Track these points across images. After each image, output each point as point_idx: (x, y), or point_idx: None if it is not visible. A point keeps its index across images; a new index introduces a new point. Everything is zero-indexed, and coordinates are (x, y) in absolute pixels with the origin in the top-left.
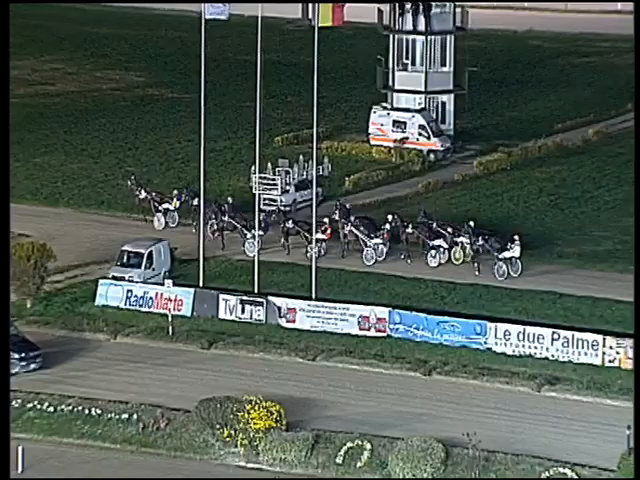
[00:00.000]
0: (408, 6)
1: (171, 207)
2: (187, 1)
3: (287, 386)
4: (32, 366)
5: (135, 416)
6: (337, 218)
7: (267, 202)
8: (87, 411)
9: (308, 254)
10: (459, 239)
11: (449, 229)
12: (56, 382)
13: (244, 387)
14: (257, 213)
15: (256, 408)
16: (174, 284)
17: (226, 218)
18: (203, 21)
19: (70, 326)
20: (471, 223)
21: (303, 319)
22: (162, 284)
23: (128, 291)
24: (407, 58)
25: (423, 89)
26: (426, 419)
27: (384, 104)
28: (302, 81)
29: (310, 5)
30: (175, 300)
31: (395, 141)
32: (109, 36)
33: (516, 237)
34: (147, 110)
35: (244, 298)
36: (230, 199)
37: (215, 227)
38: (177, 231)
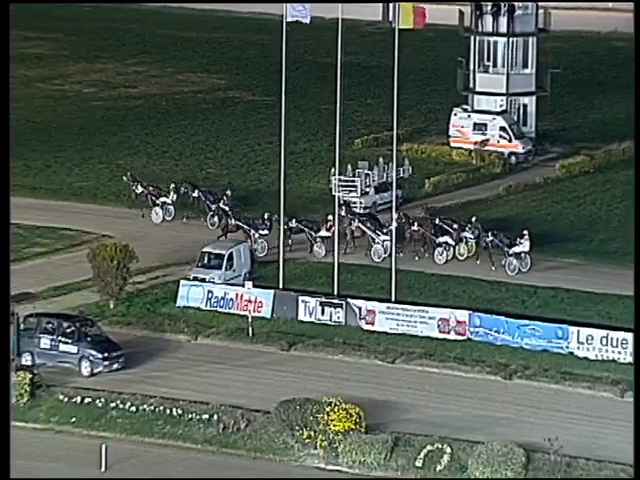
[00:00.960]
0: (489, 8)
1: (168, 200)
2: (269, 1)
3: (366, 388)
4: (115, 366)
5: (215, 417)
6: (343, 215)
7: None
8: (168, 411)
9: (313, 251)
10: (462, 234)
11: (455, 225)
12: (138, 382)
13: (323, 389)
14: (336, 215)
15: (335, 410)
16: (254, 286)
17: (233, 221)
18: (284, 24)
19: (152, 327)
20: (473, 219)
21: (382, 321)
22: (242, 285)
23: (209, 292)
24: (488, 60)
25: (504, 91)
26: (506, 423)
27: (465, 106)
28: (382, 83)
29: (391, 7)
30: (255, 302)
31: (476, 143)
32: (191, 39)
33: (525, 232)
34: (228, 113)
35: (323, 300)
36: (229, 192)
37: (220, 226)
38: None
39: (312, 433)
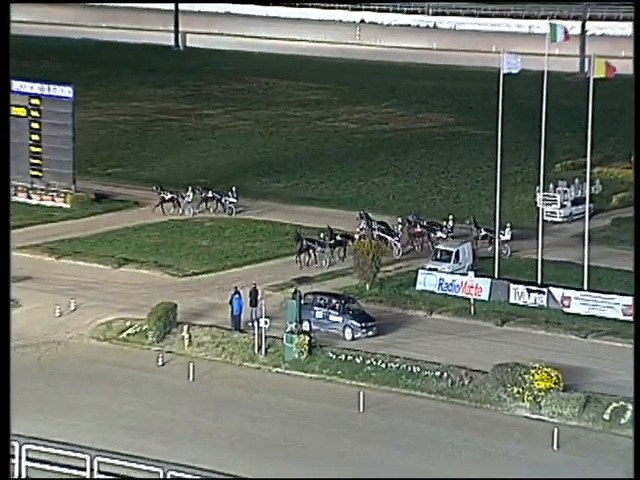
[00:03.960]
0: None
1: (189, 200)
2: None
3: (564, 357)
4: (369, 333)
5: (445, 374)
6: (363, 226)
7: (548, 214)
8: (409, 368)
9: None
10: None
11: (450, 223)
12: (387, 346)
13: (529, 356)
14: (541, 225)
15: (539, 372)
16: (475, 275)
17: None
18: (501, 74)
19: (397, 304)
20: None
21: (577, 305)
22: (466, 275)
23: (440, 279)
24: None
25: None
26: None
27: None
28: (578, 121)
29: (586, 61)
30: (476, 287)
31: None
32: (428, 87)
33: (508, 224)
34: (456, 143)
35: (530, 287)
36: (234, 188)
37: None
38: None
39: (520, 389)
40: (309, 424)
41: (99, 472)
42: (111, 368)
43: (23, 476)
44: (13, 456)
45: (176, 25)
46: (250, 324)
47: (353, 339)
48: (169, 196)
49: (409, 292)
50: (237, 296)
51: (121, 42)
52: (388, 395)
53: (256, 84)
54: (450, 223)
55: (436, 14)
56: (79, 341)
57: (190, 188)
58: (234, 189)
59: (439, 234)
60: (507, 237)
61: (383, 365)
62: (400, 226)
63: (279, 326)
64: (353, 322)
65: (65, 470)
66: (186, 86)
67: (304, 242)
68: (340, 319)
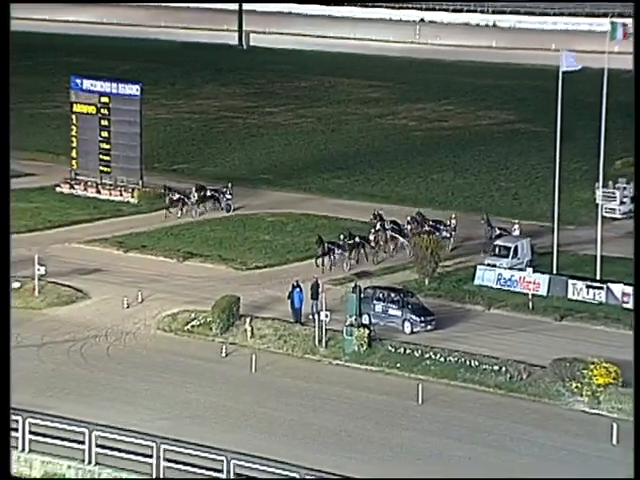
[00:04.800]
0: None
1: (195, 200)
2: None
3: (623, 352)
4: (429, 327)
5: (503, 368)
6: (378, 228)
7: (608, 210)
8: (468, 362)
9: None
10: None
11: (453, 222)
12: (445, 340)
13: (588, 351)
14: (600, 222)
15: (598, 368)
16: (534, 271)
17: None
18: (561, 72)
19: (456, 299)
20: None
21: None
22: (524, 270)
23: (499, 275)
24: None
25: None
26: None
27: None
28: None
29: None
30: (534, 283)
31: None
32: (486, 85)
33: (516, 221)
34: (515, 140)
35: (589, 283)
36: (230, 184)
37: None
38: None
39: (579, 384)
40: (368, 415)
41: (165, 459)
42: (176, 358)
43: (92, 461)
44: (83, 442)
45: (240, 25)
46: (311, 317)
47: (412, 333)
48: (177, 196)
49: (468, 287)
50: (298, 289)
51: (187, 42)
52: (446, 388)
53: (317, 82)
54: (453, 222)
55: (496, 12)
56: (146, 332)
57: (194, 188)
58: (230, 185)
59: (444, 233)
60: (517, 233)
61: (442, 359)
62: (409, 226)
63: (339, 319)
64: (412, 316)
65: (132, 457)
66: (249, 84)
67: (326, 245)
68: (399, 313)
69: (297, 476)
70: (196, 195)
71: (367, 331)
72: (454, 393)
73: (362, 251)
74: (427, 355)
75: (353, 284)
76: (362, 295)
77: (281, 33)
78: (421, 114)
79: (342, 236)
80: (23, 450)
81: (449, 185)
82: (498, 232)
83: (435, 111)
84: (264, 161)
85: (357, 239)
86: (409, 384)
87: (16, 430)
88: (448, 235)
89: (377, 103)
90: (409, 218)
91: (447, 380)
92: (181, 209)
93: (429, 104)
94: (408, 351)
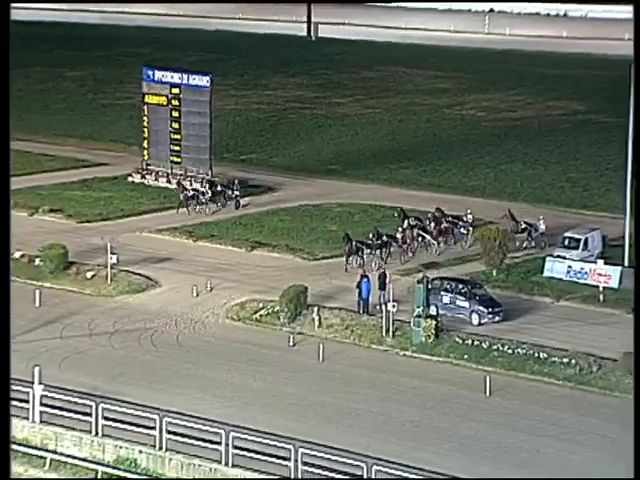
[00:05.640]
0: None
1: (209, 196)
2: None
3: None
4: (496, 318)
5: (573, 361)
6: (405, 226)
7: None
8: (536, 354)
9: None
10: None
11: (469, 217)
12: (513, 331)
13: None
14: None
15: None
16: (605, 263)
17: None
18: (633, 61)
19: (524, 291)
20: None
21: None
22: (595, 262)
23: (569, 267)
24: None
25: None
26: None
27: None
28: None
29: None
30: (605, 275)
31: None
32: (557, 75)
33: (541, 217)
34: (586, 131)
35: None
36: (236, 181)
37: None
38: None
39: None
40: (436, 406)
41: (233, 447)
42: (245, 347)
43: (163, 447)
44: (153, 428)
45: (309, 16)
46: (378, 307)
47: (480, 324)
48: (191, 193)
49: (536, 279)
50: (366, 280)
51: (255, 33)
52: (514, 380)
53: (385, 73)
54: (469, 217)
55: (566, 1)
56: (214, 320)
57: (207, 185)
58: (236, 182)
59: (461, 230)
60: (542, 229)
61: (510, 350)
62: (433, 224)
63: (406, 310)
64: (480, 307)
65: (201, 444)
66: (317, 75)
67: (353, 244)
68: (467, 304)
69: (364, 466)
70: (210, 192)
71: (434, 322)
72: (522, 385)
73: (388, 250)
74: (495, 347)
75: (421, 275)
76: (430, 286)
77: (349, 24)
78: (490, 104)
79: (370, 235)
80: (97, 434)
81: (518, 176)
82: (524, 226)
83: (504, 101)
84: (331, 152)
85: (385, 238)
86: (476, 375)
87: (89, 415)
88: (465, 231)
89: (445, 94)
90: (430, 215)
91: (515, 372)
92: (195, 206)
93: (498, 94)
94: (476, 342)
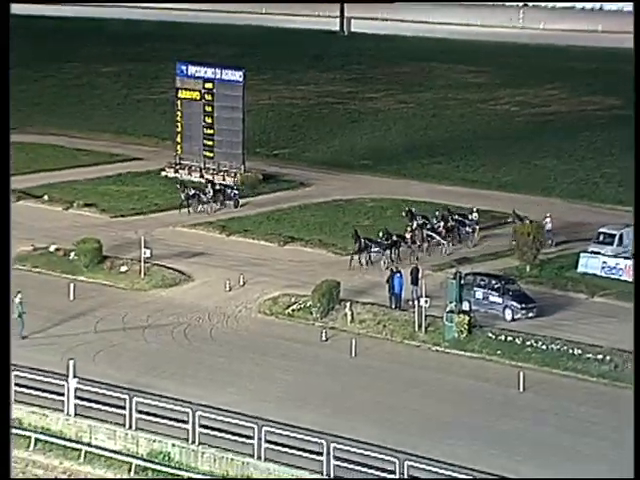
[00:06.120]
0: None
1: (210, 195)
2: None
3: None
4: (530, 314)
5: (608, 357)
6: (414, 226)
7: None
8: (570, 350)
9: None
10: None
11: (475, 215)
12: (547, 327)
13: None
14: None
15: None
16: None
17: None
18: None
19: (558, 286)
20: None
21: None
22: (630, 258)
23: (603, 262)
24: None
25: None
26: None
27: None
28: None
29: None
30: None
31: None
32: (592, 70)
33: (548, 214)
34: (621, 126)
35: None
36: (235, 179)
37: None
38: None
39: None
40: (469, 402)
41: (266, 441)
42: (277, 341)
43: (196, 440)
44: (185, 422)
45: (341, 11)
46: (410, 303)
47: (513, 320)
48: (192, 192)
49: (570, 274)
50: (398, 275)
51: (288, 28)
52: (548, 376)
53: (418, 68)
54: (475, 215)
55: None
56: (247, 315)
57: (210, 184)
58: (234, 180)
59: (467, 228)
60: (549, 226)
61: (543, 346)
62: (442, 223)
63: (439, 305)
64: (513, 303)
65: (233, 438)
66: (350, 70)
67: (362, 242)
68: (500, 300)
69: (396, 461)
70: (211, 191)
71: (467, 317)
72: (556, 381)
73: (397, 250)
74: (528, 342)
75: (454, 270)
76: (462, 282)
77: (381, 19)
78: (523, 99)
79: (380, 234)
80: (130, 427)
81: (551, 171)
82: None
83: (538, 96)
84: (364, 146)
85: (394, 237)
86: (510, 371)
87: (123, 408)
88: (471, 230)
89: (478, 88)
90: (437, 214)
91: (549, 368)
92: (197, 205)
93: (532, 89)
94: (509, 338)
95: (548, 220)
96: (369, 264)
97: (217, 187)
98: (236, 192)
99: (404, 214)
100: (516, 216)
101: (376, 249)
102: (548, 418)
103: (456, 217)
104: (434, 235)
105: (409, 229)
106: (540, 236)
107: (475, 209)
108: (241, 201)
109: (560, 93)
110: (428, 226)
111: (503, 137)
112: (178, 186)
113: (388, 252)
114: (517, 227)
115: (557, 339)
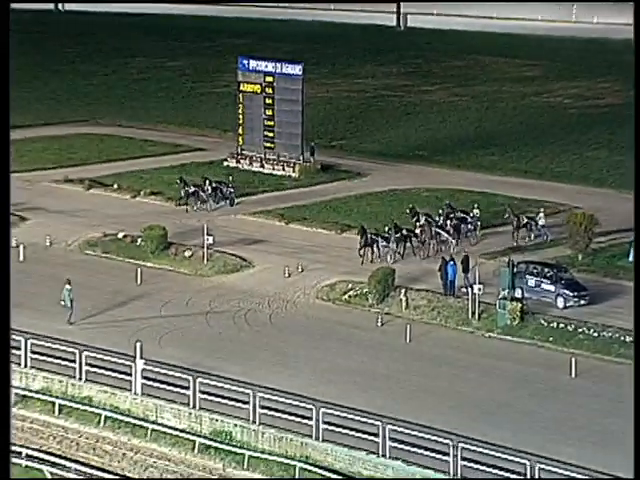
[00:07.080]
0: None
1: (210, 192)
2: None
3: None
4: (582, 302)
5: None
6: (422, 223)
7: None
8: (622, 338)
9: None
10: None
11: (476, 212)
12: (599, 315)
13: None
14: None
15: None
16: None
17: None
18: None
19: (609, 275)
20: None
21: None
22: None
23: None
24: None
25: None
26: None
27: None
28: None
29: None
30: None
31: None
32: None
33: (541, 210)
34: None
35: None
36: (230, 177)
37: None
38: None
39: None
40: (520, 387)
41: (324, 422)
42: (335, 327)
43: (257, 421)
44: (247, 402)
45: (398, 6)
46: (463, 290)
47: (565, 307)
48: (192, 189)
49: (622, 263)
50: (452, 263)
51: (346, 23)
52: (600, 363)
53: (473, 61)
54: (476, 212)
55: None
56: (305, 300)
57: (208, 181)
58: (230, 178)
59: (469, 225)
60: (542, 222)
61: (595, 334)
62: (449, 221)
63: (491, 293)
64: (565, 291)
65: (292, 418)
66: (406, 64)
67: (369, 236)
68: (552, 288)
69: (450, 443)
70: (210, 188)
71: (520, 305)
72: (608, 368)
73: (405, 245)
74: (580, 330)
75: (507, 258)
76: (515, 269)
77: (437, 14)
78: (577, 92)
79: (387, 228)
80: (194, 407)
81: (604, 162)
82: (525, 221)
83: (591, 89)
84: (420, 138)
85: (404, 232)
86: (562, 358)
87: (187, 388)
88: (472, 227)
89: (532, 81)
90: (440, 211)
91: (601, 355)
92: (196, 202)
93: (585, 82)
94: (561, 325)
95: (542, 215)
96: (374, 259)
97: (213, 185)
98: (231, 190)
99: (407, 211)
100: (511, 211)
101: (383, 243)
102: (601, 403)
103: (458, 214)
104: (442, 232)
105: (418, 224)
106: (592, 226)
107: (477, 206)
108: (236, 200)
109: (613, 86)
110: (439, 222)
111: (556, 129)
112: (178, 182)
113: (394, 246)
114: (570, 217)
115: (609, 326)
